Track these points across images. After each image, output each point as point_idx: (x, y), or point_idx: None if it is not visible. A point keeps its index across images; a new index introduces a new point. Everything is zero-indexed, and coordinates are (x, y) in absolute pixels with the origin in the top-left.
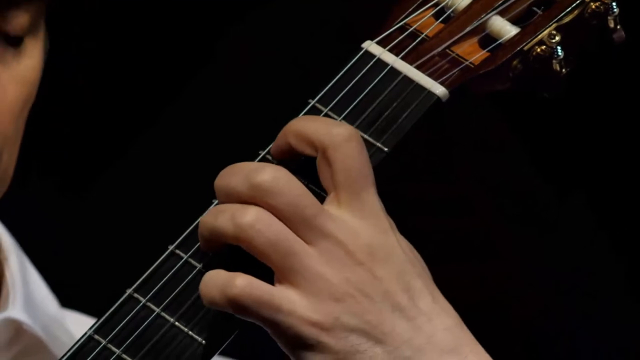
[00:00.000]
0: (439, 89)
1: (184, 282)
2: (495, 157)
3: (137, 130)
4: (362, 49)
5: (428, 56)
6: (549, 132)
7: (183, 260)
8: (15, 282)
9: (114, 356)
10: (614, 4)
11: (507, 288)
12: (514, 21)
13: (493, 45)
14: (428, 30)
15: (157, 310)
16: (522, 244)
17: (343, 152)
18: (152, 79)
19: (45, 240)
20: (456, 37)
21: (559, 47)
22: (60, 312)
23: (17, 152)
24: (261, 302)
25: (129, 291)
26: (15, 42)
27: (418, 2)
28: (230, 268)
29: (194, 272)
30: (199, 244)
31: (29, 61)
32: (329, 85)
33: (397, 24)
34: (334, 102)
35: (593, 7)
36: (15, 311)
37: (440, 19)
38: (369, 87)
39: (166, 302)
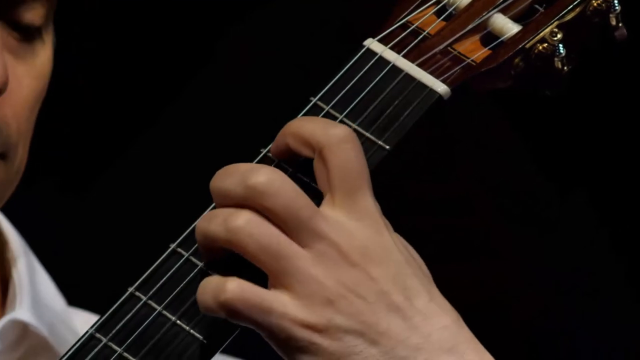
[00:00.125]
0: (440, 87)
1: (185, 280)
2: (496, 155)
3: (137, 130)
4: (363, 46)
5: (430, 54)
6: (551, 131)
7: (184, 258)
8: (22, 283)
9: (115, 355)
10: (615, 1)
11: (507, 288)
12: (515, 19)
13: (495, 43)
14: (430, 28)
15: (159, 308)
16: (522, 244)
17: (339, 153)
18: (152, 79)
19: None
20: (458, 35)
21: (560, 45)
22: (67, 312)
23: (28, 147)
24: (252, 305)
25: (130, 290)
26: (29, 37)
27: (420, 0)
28: (229, 268)
29: (195, 270)
30: None
31: (43, 55)
32: (331, 83)
33: (398, 21)
34: (336, 100)
35: (595, 4)
36: (22, 312)
37: (442, 17)
38: (371, 85)
39: (167, 300)
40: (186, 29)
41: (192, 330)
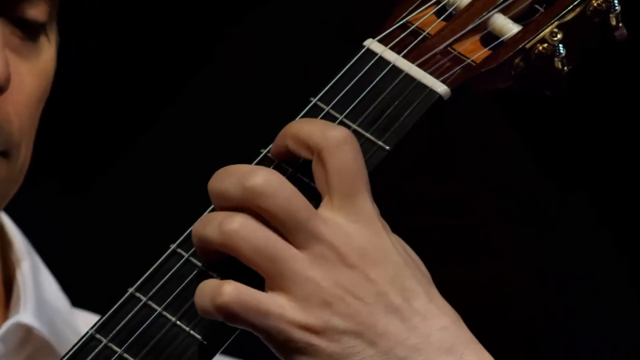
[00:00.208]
0: (440, 87)
1: (186, 281)
2: (496, 155)
3: (137, 130)
4: (363, 47)
5: (430, 54)
6: (551, 131)
7: (184, 259)
8: (26, 285)
9: (115, 355)
10: (615, 1)
11: (507, 288)
12: (515, 19)
13: (495, 43)
14: (430, 29)
15: (159, 309)
16: (522, 244)
17: (337, 155)
18: (152, 79)
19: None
20: (458, 35)
21: (560, 45)
22: (71, 313)
23: (32, 146)
24: (249, 308)
25: (130, 290)
26: (33, 35)
27: (420, 0)
28: (228, 270)
29: (196, 271)
30: None
31: (46, 54)
32: (331, 84)
33: (398, 21)
34: (336, 100)
35: (595, 4)
36: (26, 315)
37: (442, 17)
38: (371, 86)
39: (168, 301)
40: (186, 29)
41: (192, 331)
